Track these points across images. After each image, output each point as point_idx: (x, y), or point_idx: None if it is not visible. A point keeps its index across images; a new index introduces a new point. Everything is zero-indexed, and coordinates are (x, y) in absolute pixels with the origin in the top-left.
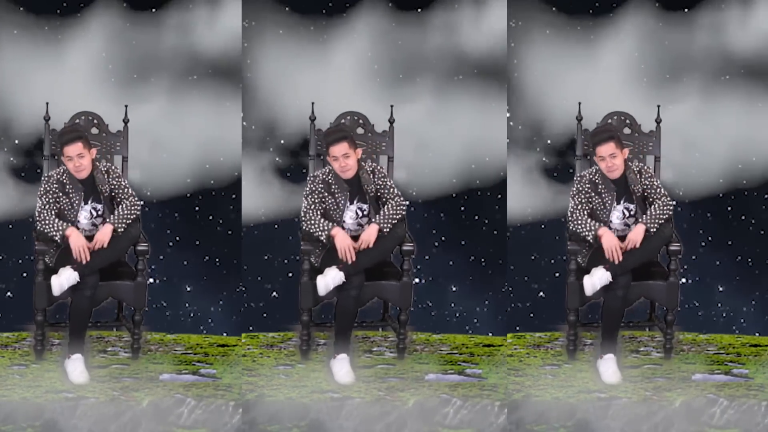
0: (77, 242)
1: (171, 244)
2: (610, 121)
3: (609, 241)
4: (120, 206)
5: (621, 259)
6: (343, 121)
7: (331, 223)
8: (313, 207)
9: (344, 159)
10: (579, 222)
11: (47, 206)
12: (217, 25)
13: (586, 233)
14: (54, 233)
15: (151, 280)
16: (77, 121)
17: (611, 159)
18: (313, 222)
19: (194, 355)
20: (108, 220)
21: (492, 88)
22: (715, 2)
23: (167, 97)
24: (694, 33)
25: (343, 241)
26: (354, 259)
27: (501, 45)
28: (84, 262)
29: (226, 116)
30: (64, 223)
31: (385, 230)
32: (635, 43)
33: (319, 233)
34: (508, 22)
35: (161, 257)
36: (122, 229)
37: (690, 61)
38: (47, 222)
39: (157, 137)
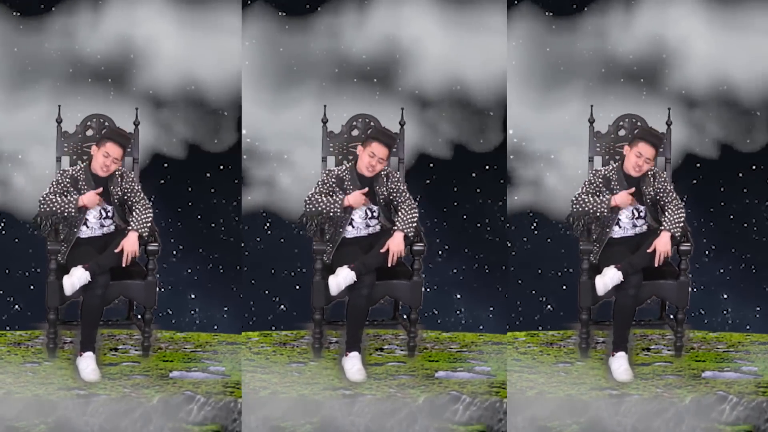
0: (92, 199)
1: (175, 252)
2: (621, 123)
3: (622, 199)
4: (135, 211)
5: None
6: (355, 123)
7: (338, 197)
8: (319, 191)
9: (378, 162)
10: (585, 202)
11: (54, 193)
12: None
13: (596, 208)
14: (65, 207)
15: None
16: (89, 123)
17: (646, 161)
18: (320, 202)
19: (203, 353)
20: (130, 227)
21: None
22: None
23: None
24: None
25: (356, 197)
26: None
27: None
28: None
29: None
30: (75, 196)
31: (410, 234)
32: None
33: (331, 207)
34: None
35: (168, 262)
36: (146, 233)
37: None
38: (55, 202)
39: None
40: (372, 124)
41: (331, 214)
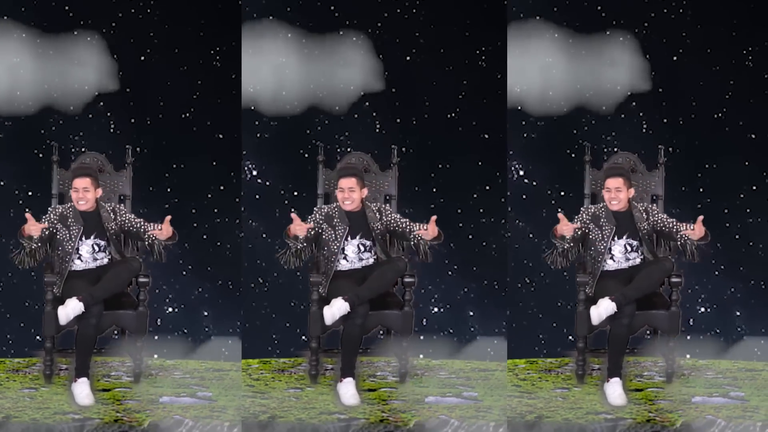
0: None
1: (184, 272)
2: (620, 160)
3: (561, 226)
4: (150, 230)
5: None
6: (351, 160)
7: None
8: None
9: (349, 192)
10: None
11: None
12: None
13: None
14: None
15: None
16: (85, 160)
17: (616, 192)
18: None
19: (191, 379)
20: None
21: None
22: None
23: None
24: None
25: (294, 226)
26: (303, 232)
27: None
28: (31, 233)
29: None
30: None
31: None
32: None
33: (290, 243)
34: None
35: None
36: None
37: None
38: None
39: None
40: (366, 162)
41: (293, 248)
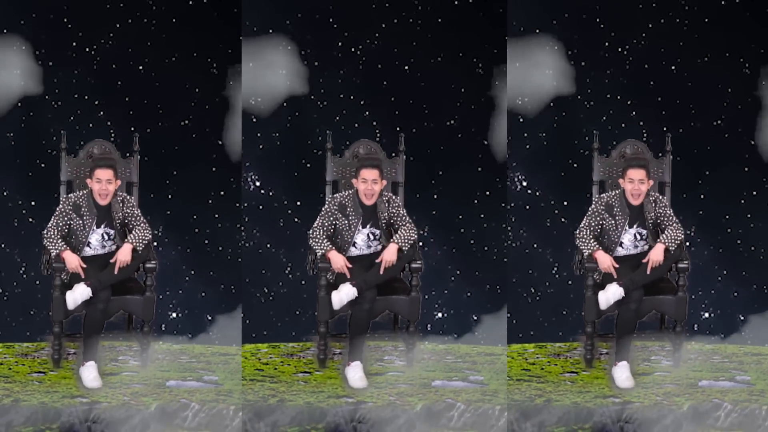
0: (72, 262)
1: (188, 278)
2: (628, 149)
3: (603, 261)
4: (135, 229)
5: (615, 274)
6: (357, 148)
7: (329, 244)
8: (321, 226)
9: (372, 184)
10: (583, 239)
11: (56, 226)
12: None
13: (585, 249)
14: (52, 249)
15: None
16: (92, 149)
17: (639, 184)
18: (317, 239)
19: (198, 364)
20: (127, 240)
21: None
22: None
23: None
24: None
25: (337, 262)
26: (349, 275)
27: None
28: (82, 275)
29: None
30: (63, 244)
31: (404, 249)
32: None
33: (318, 250)
34: None
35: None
36: (141, 248)
37: None
38: (51, 239)
39: None
40: (373, 149)
41: (317, 254)
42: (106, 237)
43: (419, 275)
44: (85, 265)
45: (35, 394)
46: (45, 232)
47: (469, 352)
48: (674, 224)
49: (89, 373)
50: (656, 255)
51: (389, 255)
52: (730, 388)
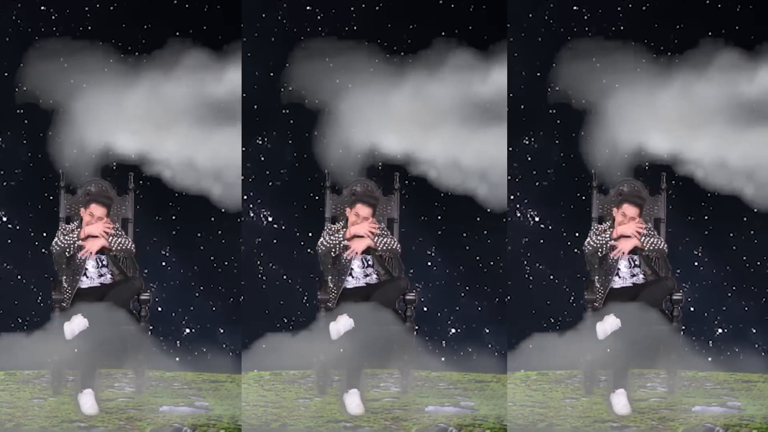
0: (95, 229)
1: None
2: (625, 188)
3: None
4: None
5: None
6: (356, 187)
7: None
8: (327, 245)
9: (363, 219)
10: (592, 241)
11: (62, 233)
12: None
13: (602, 240)
14: (72, 238)
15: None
16: (89, 188)
17: (630, 220)
18: (325, 240)
19: (189, 390)
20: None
21: None
22: None
23: None
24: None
25: (359, 227)
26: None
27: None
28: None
29: None
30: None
31: (378, 246)
32: None
33: (335, 240)
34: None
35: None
36: (114, 248)
37: None
38: (60, 241)
39: None
40: (369, 188)
41: (340, 244)
42: (99, 263)
43: (413, 307)
44: (109, 225)
45: (36, 419)
46: (52, 247)
47: (461, 379)
48: (656, 237)
49: (87, 400)
50: (624, 245)
51: (357, 230)
52: (721, 413)
